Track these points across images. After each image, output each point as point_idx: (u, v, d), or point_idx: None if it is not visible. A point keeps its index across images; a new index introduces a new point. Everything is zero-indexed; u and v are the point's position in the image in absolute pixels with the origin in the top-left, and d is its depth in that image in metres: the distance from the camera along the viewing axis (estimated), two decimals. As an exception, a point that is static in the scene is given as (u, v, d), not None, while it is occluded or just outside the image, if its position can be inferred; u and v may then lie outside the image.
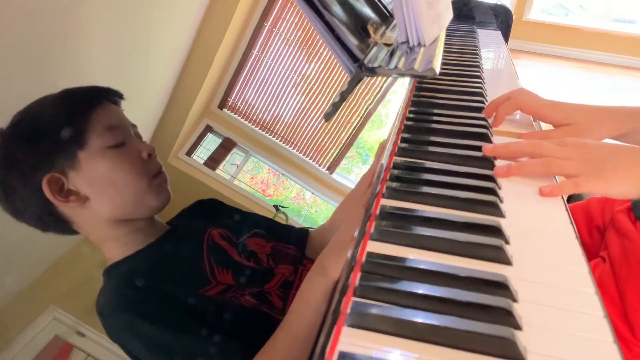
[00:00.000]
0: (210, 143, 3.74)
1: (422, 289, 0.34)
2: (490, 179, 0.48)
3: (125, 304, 0.65)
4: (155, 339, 0.62)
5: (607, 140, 0.61)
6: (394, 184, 0.47)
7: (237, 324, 0.64)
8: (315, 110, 3.51)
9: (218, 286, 0.71)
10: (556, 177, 0.50)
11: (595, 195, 0.49)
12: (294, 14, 3.26)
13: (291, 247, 0.89)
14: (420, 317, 0.31)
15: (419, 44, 0.58)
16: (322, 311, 0.55)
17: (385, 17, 0.74)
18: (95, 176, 0.71)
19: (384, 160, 0.53)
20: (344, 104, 0.54)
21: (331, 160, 3.60)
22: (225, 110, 3.61)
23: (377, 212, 0.43)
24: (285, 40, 3.36)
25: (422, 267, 0.36)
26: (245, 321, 0.66)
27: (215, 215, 0.91)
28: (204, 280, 0.71)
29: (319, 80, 3.44)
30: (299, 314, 0.57)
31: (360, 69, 0.53)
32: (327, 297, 0.55)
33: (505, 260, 0.37)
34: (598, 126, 0.59)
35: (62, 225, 0.74)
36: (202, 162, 3.65)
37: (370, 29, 0.63)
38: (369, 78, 0.55)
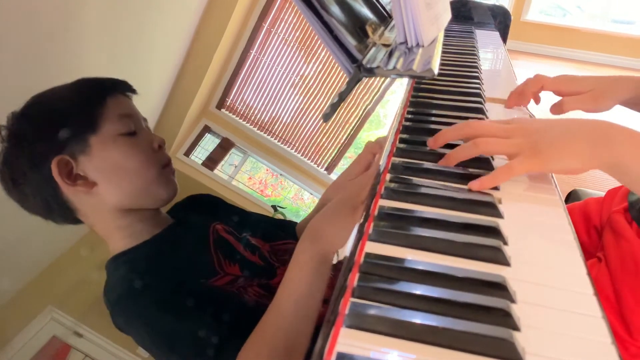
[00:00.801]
0: (209, 143, 3.74)
1: (420, 289, 0.34)
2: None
3: (129, 292, 0.65)
4: (159, 327, 0.62)
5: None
6: (392, 185, 0.47)
7: (241, 318, 0.64)
8: (314, 110, 3.51)
9: (226, 277, 0.71)
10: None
11: (532, 172, 0.48)
12: (293, 14, 3.27)
13: (290, 241, 0.89)
14: (419, 318, 0.31)
15: (418, 45, 0.58)
16: (315, 282, 0.54)
17: (384, 18, 0.74)
18: (105, 162, 0.71)
19: (382, 161, 0.53)
20: (342, 104, 0.54)
21: (329, 160, 3.60)
22: (223, 110, 3.61)
23: (376, 212, 0.43)
24: (283, 41, 3.36)
25: (420, 267, 0.36)
26: (250, 315, 0.66)
27: (214, 211, 0.91)
28: (211, 271, 0.71)
29: (318, 81, 3.44)
30: (288, 285, 0.56)
31: (359, 70, 0.53)
32: (321, 267, 0.54)
33: (503, 261, 0.37)
34: (614, 91, 0.63)
35: (66, 213, 0.74)
36: (200, 162, 3.65)
37: (369, 30, 0.63)
38: (368, 78, 0.55)
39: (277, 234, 0.90)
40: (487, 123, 0.49)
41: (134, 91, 0.82)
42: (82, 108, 0.71)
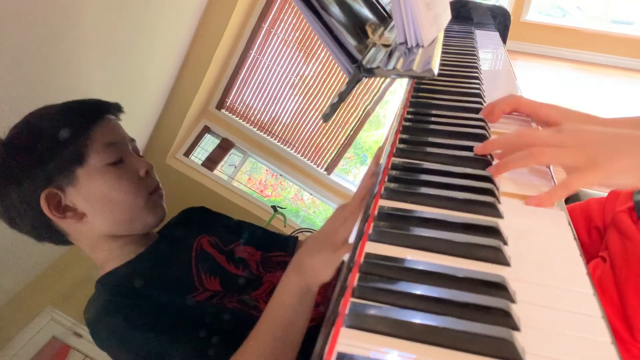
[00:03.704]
0: (208, 144, 3.73)
1: (420, 289, 0.34)
2: (488, 179, 0.48)
3: (112, 313, 0.65)
4: (141, 346, 0.62)
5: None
6: (392, 185, 0.47)
7: (224, 329, 0.64)
8: (314, 111, 3.51)
9: (205, 293, 0.71)
10: (553, 174, 0.50)
11: (587, 187, 0.46)
12: (292, 14, 3.27)
13: (281, 253, 0.89)
14: (419, 318, 0.31)
15: (417, 45, 0.58)
16: (299, 312, 0.55)
17: (384, 18, 0.74)
18: (93, 193, 0.70)
19: (382, 161, 0.53)
20: (342, 104, 0.54)
21: (329, 161, 3.60)
22: (223, 111, 3.61)
23: (376, 212, 0.43)
24: (283, 41, 3.36)
25: (420, 267, 0.36)
26: (232, 326, 0.66)
27: (206, 223, 0.91)
28: (190, 287, 0.71)
29: (317, 81, 3.44)
30: (272, 314, 0.57)
31: (359, 70, 0.53)
32: (305, 297, 0.55)
33: (503, 261, 0.37)
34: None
35: (56, 237, 0.75)
36: (200, 162, 3.64)
37: (369, 30, 0.63)
38: (367, 79, 0.55)
39: (273, 246, 0.90)
40: (539, 132, 0.48)
41: (121, 110, 0.80)
42: (68, 140, 0.69)
